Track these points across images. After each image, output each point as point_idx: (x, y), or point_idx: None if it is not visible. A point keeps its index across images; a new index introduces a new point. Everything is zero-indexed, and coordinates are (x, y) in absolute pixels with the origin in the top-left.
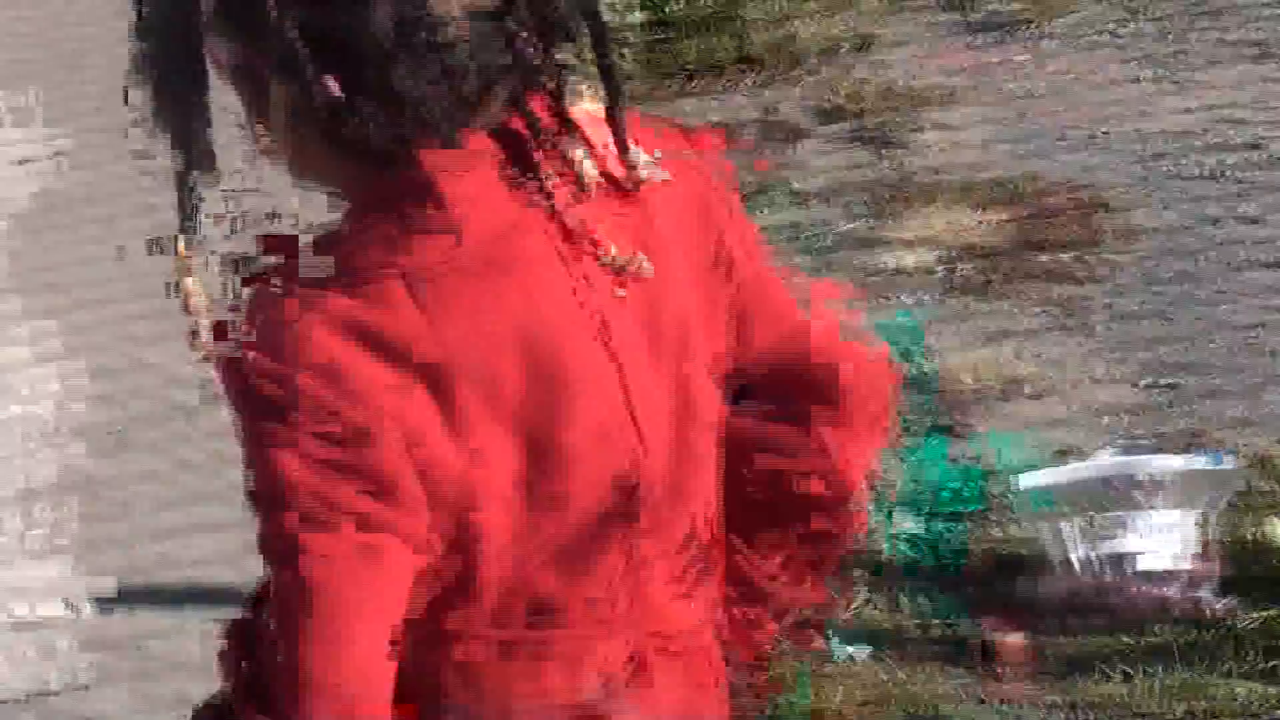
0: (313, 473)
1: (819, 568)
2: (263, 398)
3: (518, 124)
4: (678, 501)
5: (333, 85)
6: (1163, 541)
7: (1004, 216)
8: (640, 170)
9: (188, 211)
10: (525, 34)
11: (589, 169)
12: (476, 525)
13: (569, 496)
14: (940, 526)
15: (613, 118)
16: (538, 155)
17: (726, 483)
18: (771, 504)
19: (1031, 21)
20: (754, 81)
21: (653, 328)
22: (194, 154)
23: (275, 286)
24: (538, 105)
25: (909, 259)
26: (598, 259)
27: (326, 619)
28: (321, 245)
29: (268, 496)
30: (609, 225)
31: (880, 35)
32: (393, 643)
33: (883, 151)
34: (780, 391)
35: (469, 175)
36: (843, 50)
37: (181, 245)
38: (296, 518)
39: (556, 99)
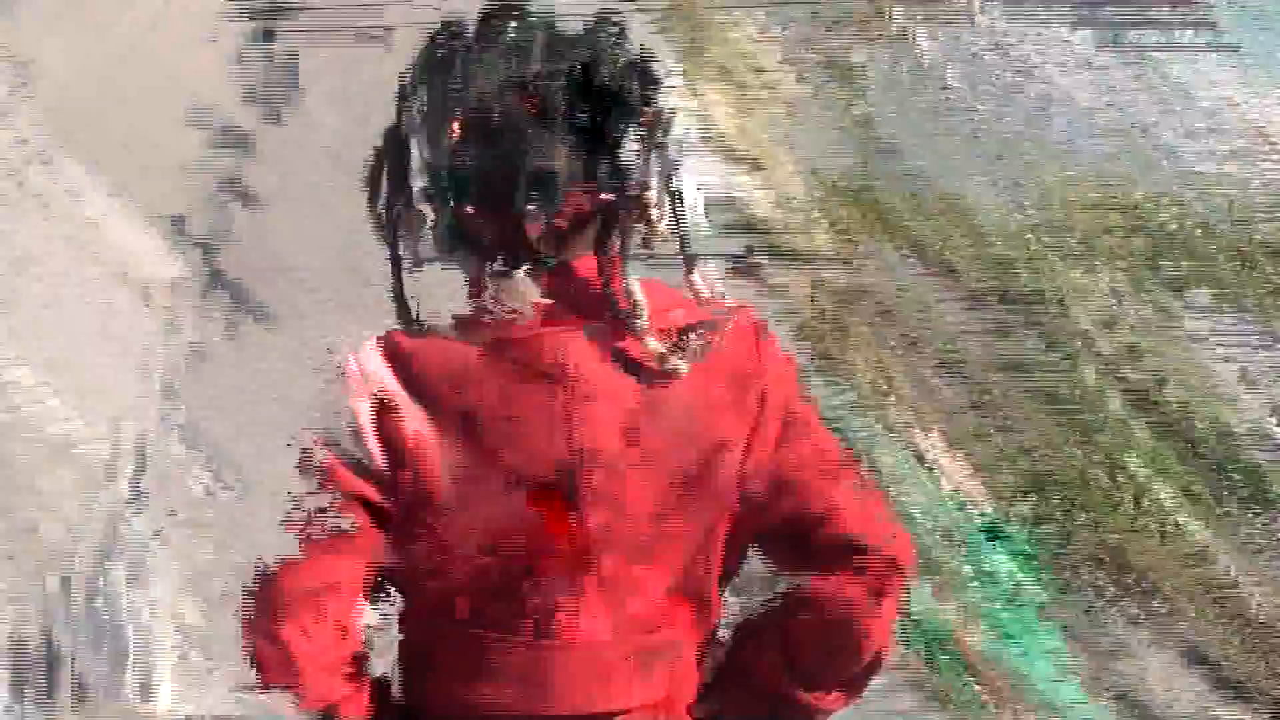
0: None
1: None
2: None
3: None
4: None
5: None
6: None
7: None
8: (678, 358)
9: (402, 301)
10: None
11: (642, 298)
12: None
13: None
14: None
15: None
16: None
17: (776, 624)
18: (818, 652)
19: None
20: None
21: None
22: (406, 257)
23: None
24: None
25: None
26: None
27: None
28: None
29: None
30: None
31: None
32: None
33: None
34: (802, 548)
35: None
36: None
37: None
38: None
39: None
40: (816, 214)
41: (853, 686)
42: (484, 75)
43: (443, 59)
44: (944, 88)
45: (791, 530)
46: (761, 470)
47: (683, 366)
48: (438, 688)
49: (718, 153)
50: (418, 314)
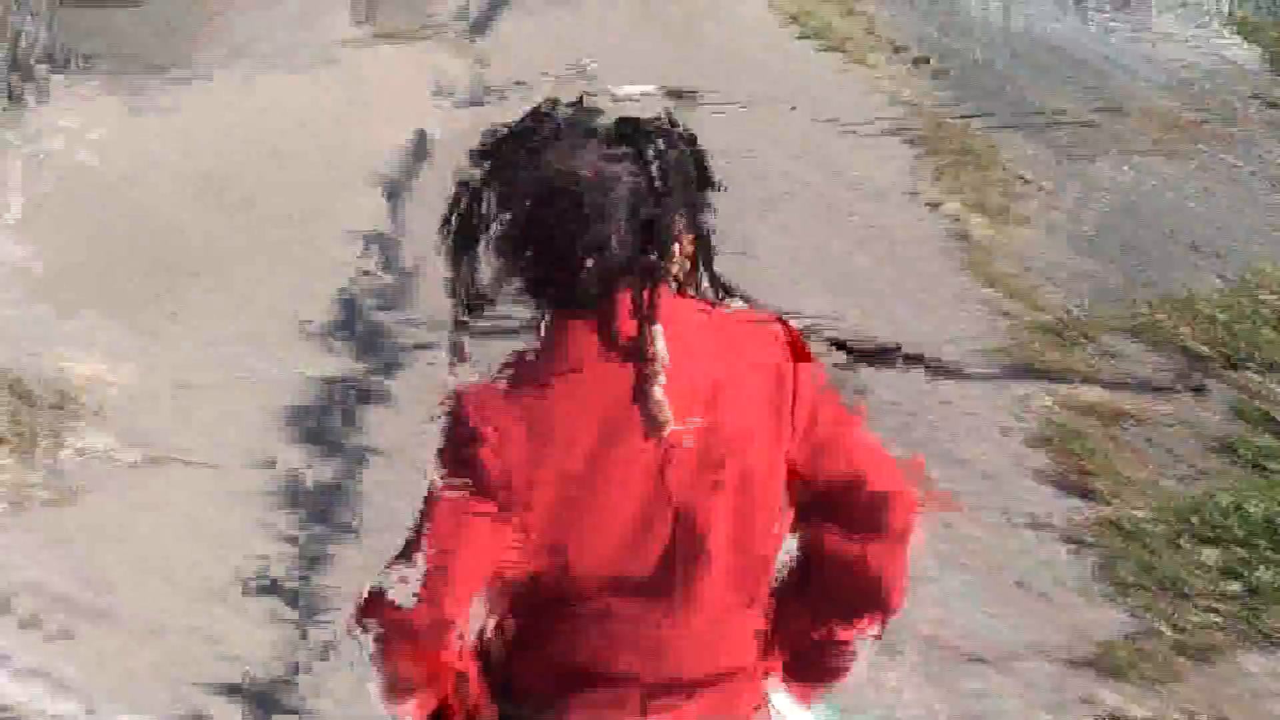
0: (450, 471)
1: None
2: (443, 430)
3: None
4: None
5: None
6: None
7: None
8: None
9: (457, 350)
10: (650, 250)
11: (662, 351)
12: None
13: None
14: None
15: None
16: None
17: (804, 577)
18: (838, 598)
19: None
20: None
21: (706, 456)
22: (467, 306)
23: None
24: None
25: None
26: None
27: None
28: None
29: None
30: (679, 384)
31: None
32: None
33: None
34: (839, 510)
35: (584, 331)
36: None
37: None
38: (440, 483)
39: (654, 292)
40: None
41: (881, 612)
42: (566, 153)
43: (533, 131)
44: None
45: (829, 496)
46: (801, 445)
47: (667, 429)
48: (557, 665)
49: None
50: (469, 353)
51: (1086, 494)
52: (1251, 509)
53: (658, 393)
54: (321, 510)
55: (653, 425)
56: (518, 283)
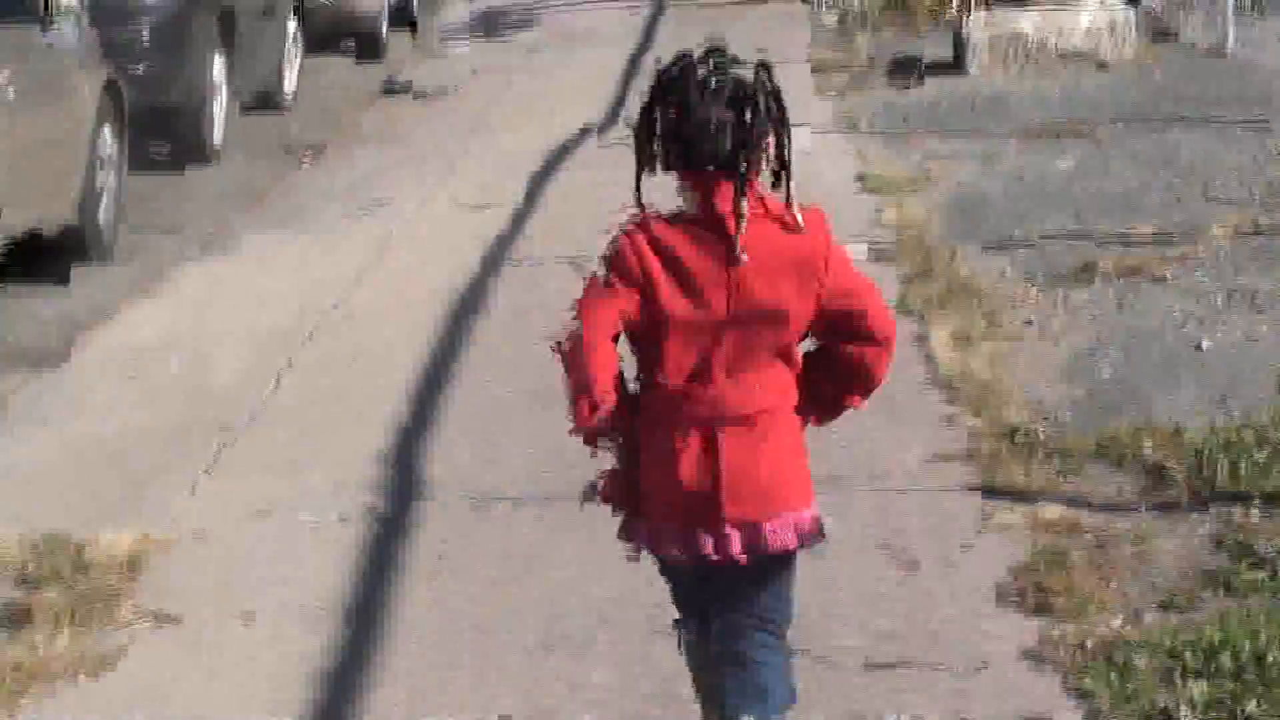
0: (606, 265)
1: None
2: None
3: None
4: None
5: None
6: None
7: None
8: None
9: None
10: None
11: (744, 210)
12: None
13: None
14: None
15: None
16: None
17: (820, 359)
18: (842, 368)
19: None
20: None
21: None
22: (648, 162)
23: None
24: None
25: None
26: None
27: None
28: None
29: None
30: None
31: None
32: (613, 338)
33: None
34: (845, 330)
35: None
36: None
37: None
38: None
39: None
40: None
41: (868, 392)
42: (700, 83)
43: (680, 68)
44: None
45: (843, 319)
46: (829, 286)
47: (743, 259)
48: (656, 400)
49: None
50: (645, 203)
51: (1055, 614)
52: (1240, 642)
53: (737, 242)
54: None
55: (732, 258)
56: (674, 158)
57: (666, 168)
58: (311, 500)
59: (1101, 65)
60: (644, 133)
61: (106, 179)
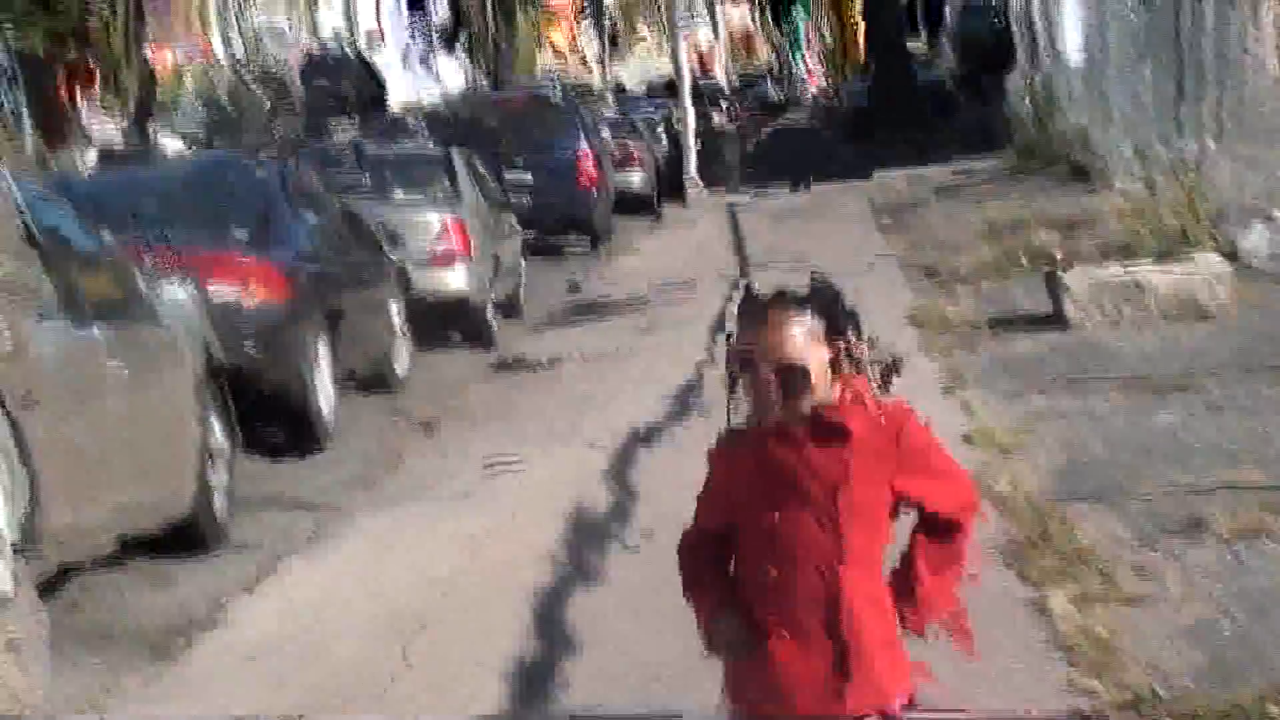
0: (705, 480)
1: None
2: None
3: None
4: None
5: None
6: None
7: None
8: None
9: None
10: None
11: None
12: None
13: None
14: None
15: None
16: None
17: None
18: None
19: None
20: None
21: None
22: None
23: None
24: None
25: None
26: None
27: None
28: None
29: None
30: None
31: None
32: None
33: None
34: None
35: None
36: None
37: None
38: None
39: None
40: None
41: (959, 571)
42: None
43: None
44: None
45: (926, 507)
46: (909, 482)
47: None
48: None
49: None
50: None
51: None
52: None
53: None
54: None
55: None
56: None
57: None
58: None
59: (1203, 315)
60: (737, 365)
61: (218, 469)
